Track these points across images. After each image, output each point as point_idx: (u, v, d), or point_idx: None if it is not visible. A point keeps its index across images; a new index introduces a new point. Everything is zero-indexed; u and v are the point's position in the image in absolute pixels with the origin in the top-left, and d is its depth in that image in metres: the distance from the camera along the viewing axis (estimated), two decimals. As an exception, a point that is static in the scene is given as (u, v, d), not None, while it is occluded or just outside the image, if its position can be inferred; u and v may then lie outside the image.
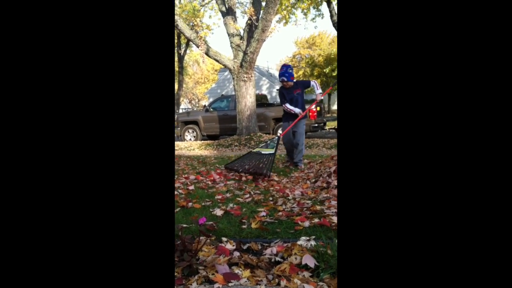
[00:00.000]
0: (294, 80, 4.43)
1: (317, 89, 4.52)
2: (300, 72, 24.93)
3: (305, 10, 13.58)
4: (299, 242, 1.61)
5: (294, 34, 71.78)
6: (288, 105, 4.36)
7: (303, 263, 1.45)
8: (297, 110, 4.30)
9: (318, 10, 14.52)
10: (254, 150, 4.10)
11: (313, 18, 16.28)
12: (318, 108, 9.78)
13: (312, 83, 4.57)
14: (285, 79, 4.32)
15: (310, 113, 9.17)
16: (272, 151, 3.78)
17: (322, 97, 4.51)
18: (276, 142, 3.96)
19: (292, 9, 13.07)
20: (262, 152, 3.83)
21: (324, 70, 15.90)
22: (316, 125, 9.12)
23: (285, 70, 4.34)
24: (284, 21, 12.97)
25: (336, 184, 2.68)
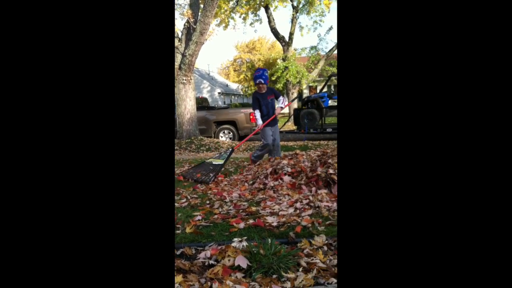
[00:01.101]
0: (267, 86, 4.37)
1: (281, 103, 4.40)
2: (241, 76, 25.17)
3: (243, 15, 13.77)
4: (232, 244, 1.62)
5: (236, 38, 72.34)
6: (257, 112, 4.25)
7: (236, 264, 1.46)
8: (259, 122, 4.23)
9: (256, 15, 14.80)
10: (208, 160, 4.12)
11: (252, 23, 16.55)
12: None
13: (280, 96, 4.46)
14: (262, 81, 4.20)
15: (251, 116, 9.30)
16: (221, 162, 3.85)
17: (280, 111, 4.38)
18: (228, 153, 4.03)
19: (231, 13, 13.17)
20: (213, 163, 3.87)
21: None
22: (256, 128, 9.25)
23: (262, 73, 4.24)
24: (223, 24, 13.01)
25: (272, 185, 2.75)
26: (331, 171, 2.62)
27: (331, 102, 10.65)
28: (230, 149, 4.10)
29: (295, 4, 15.28)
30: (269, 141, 4.24)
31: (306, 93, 18.76)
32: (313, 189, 2.52)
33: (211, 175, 3.52)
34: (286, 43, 15.96)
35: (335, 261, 1.51)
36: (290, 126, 11.83)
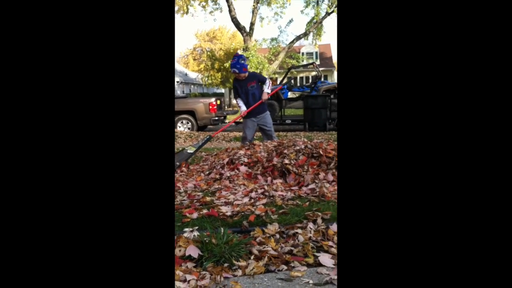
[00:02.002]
0: (248, 72, 4.07)
1: (267, 87, 4.06)
2: (202, 66, 24.76)
3: (203, 3, 13.50)
4: (184, 234, 1.60)
5: (195, 27, 70.83)
6: (239, 101, 4.00)
7: (187, 254, 1.45)
8: (242, 108, 3.96)
9: (216, 3, 14.57)
10: (186, 148, 4.06)
11: (212, 12, 16.29)
12: (219, 102, 9.85)
13: (267, 80, 4.13)
14: (237, 71, 3.89)
15: (211, 107, 9.20)
16: (193, 149, 3.84)
17: (268, 97, 4.05)
18: (203, 142, 4.00)
19: (191, 1, 12.86)
20: (188, 151, 3.82)
21: (225, 64, 16.12)
22: (216, 118, 9.18)
23: (237, 61, 3.92)
24: (182, 11, 12.67)
25: (228, 175, 2.75)
26: (286, 161, 2.66)
27: (290, 94, 10.81)
28: (207, 137, 4.04)
29: (256, -6, 15.23)
30: (247, 135, 4.04)
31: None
32: (269, 179, 2.55)
33: (177, 164, 3.47)
34: (247, 34, 15.88)
35: (287, 248, 1.54)
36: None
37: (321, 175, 2.55)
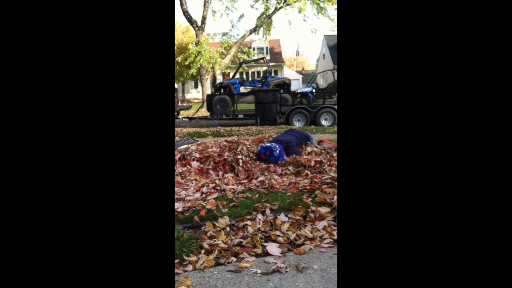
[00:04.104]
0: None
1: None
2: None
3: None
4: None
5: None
6: None
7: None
8: None
9: (167, -3, 14.12)
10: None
11: (163, 5, 15.72)
12: None
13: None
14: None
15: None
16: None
17: None
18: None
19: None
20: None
21: (177, 59, 15.71)
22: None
23: (280, 153, 2.97)
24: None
25: (180, 171, 2.71)
26: (238, 156, 2.68)
27: (242, 89, 10.83)
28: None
29: (207, -13, 14.98)
30: None
31: (219, 79, 18.72)
32: (220, 173, 2.56)
33: None
34: (199, 28, 15.59)
35: (236, 240, 1.57)
36: (204, 112, 11.72)
37: (271, 167, 2.61)
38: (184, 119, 10.31)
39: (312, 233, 1.69)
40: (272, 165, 2.62)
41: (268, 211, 1.87)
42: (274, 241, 1.59)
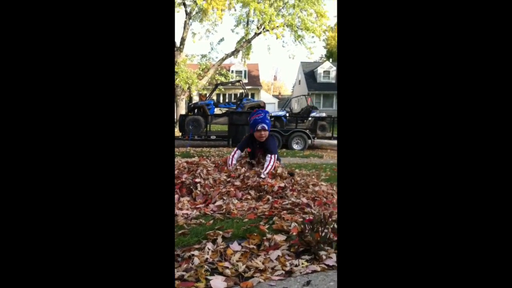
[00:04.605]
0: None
1: (266, 171, 2.86)
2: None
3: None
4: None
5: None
6: (236, 152, 3.09)
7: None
8: (229, 161, 2.98)
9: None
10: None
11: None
12: None
13: (269, 156, 2.98)
14: (266, 127, 3.02)
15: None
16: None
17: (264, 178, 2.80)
18: None
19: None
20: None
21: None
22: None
23: (264, 116, 3.08)
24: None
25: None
26: (197, 179, 2.55)
27: (217, 110, 10.77)
28: None
29: (188, 10, 15.10)
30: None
31: (196, 100, 18.66)
32: (176, 197, 2.41)
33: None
34: (177, 48, 15.60)
35: (178, 274, 1.42)
36: (176, 132, 11.52)
37: (231, 192, 2.49)
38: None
39: (264, 264, 1.56)
40: (233, 190, 2.49)
41: (219, 240, 1.74)
42: (221, 273, 1.45)
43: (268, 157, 3.03)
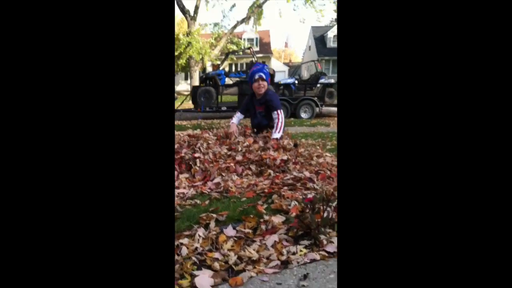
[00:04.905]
0: (269, 89, 2.87)
1: (277, 131, 2.67)
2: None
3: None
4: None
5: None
6: (236, 115, 2.97)
7: None
8: (234, 120, 2.91)
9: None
10: None
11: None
12: None
13: (276, 110, 2.76)
14: (263, 76, 2.78)
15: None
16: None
17: (278, 138, 2.67)
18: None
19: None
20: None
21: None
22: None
23: (262, 67, 2.92)
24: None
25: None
26: (196, 154, 2.31)
27: (228, 80, 10.34)
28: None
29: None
30: None
31: (210, 70, 18.17)
32: (175, 173, 2.18)
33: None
34: (191, 18, 14.91)
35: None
36: (187, 105, 11.23)
37: (231, 167, 2.24)
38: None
39: (259, 252, 1.34)
40: (233, 165, 2.24)
41: (212, 224, 1.51)
42: (210, 267, 1.23)
43: (274, 114, 2.77)
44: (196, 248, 1.34)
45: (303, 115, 8.55)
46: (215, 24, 16.87)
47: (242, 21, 15.68)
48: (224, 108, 8.98)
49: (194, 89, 9.61)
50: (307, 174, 2.15)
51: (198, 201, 1.78)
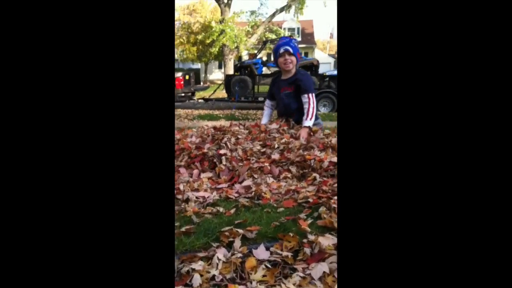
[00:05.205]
0: (298, 65, 2.62)
1: (308, 118, 2.43)
2: (177, 40, 23.48)
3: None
4: None
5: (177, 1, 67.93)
6: (266, 105, 2.75)
7: None
8: (263, 121, 2.64)
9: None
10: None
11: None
12: (187, 77, 9.08)
13: (307, 94, 2.49)
14: (290, 49, 2.49)
15: (176, 82, 8.42)
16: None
17: (310, 126, 2.41)
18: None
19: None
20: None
21: (199, 37, 15.18)
22: (182, 94, 8.44)
23: (289, 40, 2.61)
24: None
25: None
26: (222, 151, 2.04)
27: (265, 70, 10.08)
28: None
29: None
30: None
31: (245, 59, 18.08)
32: (195, 172, 1.92)
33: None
34: (225, 4, 14.90)
35: None
36: (220, 93, 11.12)
37: (265, 168, 1.94)
38: (199, 100, 9.73)
39: (301, 287, 1.03)
40: (268, 166, 1.94)
41: (238, 243, 1.22)
42: (230, 306, 0.94)
43: (305, 98, 2.48)
44: (214, 277, 1.05)
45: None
46: (252, 12, 16.70)
47: (282, 9, 15.36)
48: (261, 99, 8.74)
49: (228, 77, 9.47)
50: (364, 180, 1.80)
51: (222, 209, 1.50)
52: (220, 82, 13.94)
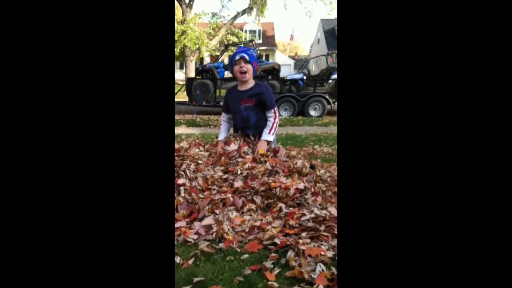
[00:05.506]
0: (255, 76, 2.52)
1: (269, 131, 2.34)
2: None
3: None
4: None
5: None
6: (222, 118, 2.57)
7: None
8: (220, 136, 2.48)
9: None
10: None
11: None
12: None
13: (272, 109, 2.38)
14: (246, 57, 2.31)
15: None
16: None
17: (265, 148, 2.26)
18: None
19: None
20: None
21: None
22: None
23: (247, 49, 2.48)
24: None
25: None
26: (180, 180, 1.82)
27: (227, 74, 9.86)
28: None
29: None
30: None
31: (207, 61, 17.70)
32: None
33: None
34: (186, 5, 14.47)
35: None
36: (181, 96, 10.74)
37: (227, 200, 1.75)
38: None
39: None
40: (230, 197, 1.76)
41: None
42: None
43: (271, 113, 2.40)
44: None
45: (312, 112, 8.18)
46: (213, 14, 16.41)
47: (244, 11, 15.21)
48: (222, 103, 8.55)
49: (190, 81, 9.16)
50: (333, 211, 1.67)
51: (178, 259, 1.30)
52: (182, 83, 13.50)
